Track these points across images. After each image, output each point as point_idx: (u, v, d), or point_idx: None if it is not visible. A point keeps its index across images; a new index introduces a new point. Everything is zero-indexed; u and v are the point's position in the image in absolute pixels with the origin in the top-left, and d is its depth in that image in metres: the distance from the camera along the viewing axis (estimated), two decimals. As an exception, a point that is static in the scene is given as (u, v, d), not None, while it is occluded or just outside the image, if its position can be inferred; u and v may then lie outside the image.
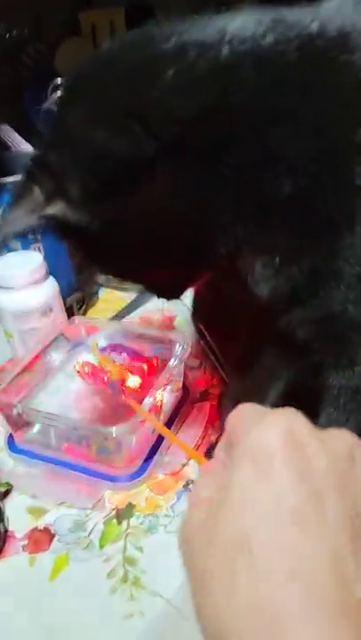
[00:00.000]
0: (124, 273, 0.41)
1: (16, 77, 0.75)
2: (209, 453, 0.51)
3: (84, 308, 0.78)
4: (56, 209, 0.32)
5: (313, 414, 0.41)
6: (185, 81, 0.31)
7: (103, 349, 0.61)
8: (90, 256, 0.40)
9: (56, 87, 0.67)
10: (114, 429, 0.46)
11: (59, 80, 0.67)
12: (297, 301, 0.35)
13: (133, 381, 0.57)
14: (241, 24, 0.32)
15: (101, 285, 0.84)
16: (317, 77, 0.30)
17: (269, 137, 0.30)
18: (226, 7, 0.35)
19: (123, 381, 0.56)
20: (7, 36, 0.71)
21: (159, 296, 0.45)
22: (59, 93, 0.65)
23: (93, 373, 0.58)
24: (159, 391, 0.51)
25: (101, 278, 0.84)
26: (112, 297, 0.84)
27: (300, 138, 0.30)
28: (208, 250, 0.35)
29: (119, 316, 0.79)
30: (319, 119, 0.30)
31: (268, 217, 0.32)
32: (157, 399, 0.51)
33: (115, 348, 0.62)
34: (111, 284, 0.84)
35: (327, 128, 0.30)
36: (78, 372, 0.58)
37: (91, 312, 0.80)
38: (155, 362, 0.60)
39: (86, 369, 0.58)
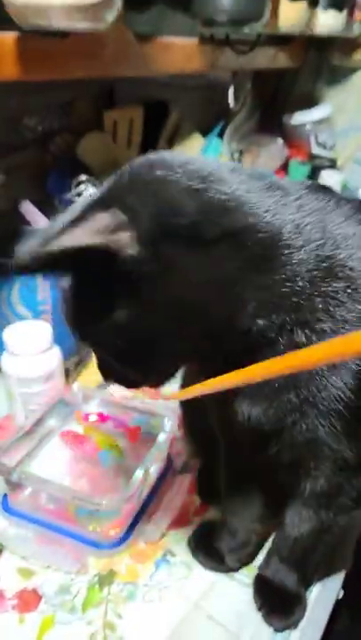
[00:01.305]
0: (133, 349, 0.40)
1: (43, 161, 0.84)
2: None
3: (78, 369, 0.84)
4: (122, 237, 0.34)
5: (279, 510, 0.48)
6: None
7: (89, 418, 0.67)
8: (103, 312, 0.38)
9: (79, 182, 0.75)
10: (104, 501, 0.51)
11: (83, 177, 0.75)
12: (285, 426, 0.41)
13: (113, 436, 0.64)
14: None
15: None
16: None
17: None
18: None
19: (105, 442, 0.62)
20: (40, 128, 0.80)
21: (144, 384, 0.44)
22: (81, 187, 0.74)
23: (81, 442, 0.64)
24: (153, 467, 0.56)
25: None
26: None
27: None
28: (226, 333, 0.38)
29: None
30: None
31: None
32: (149, 473, 0.56)
33: (100, 416, 0.68)
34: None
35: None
36: (64, 440, 0.63)
37: (84, 374, 0.86)
38: (137, 432, 0.66)
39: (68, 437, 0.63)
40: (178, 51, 0.82)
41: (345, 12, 1.01)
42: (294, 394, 0.39)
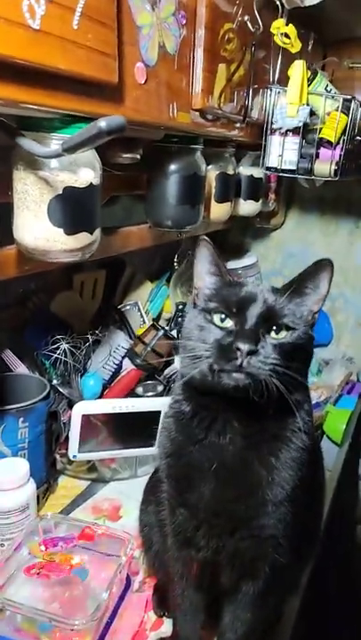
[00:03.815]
0: None
1: (21, 315, 1.03)
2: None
3: (47, 495, 0.96)
4: None
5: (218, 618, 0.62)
6: None
7: (46, 546, 0.77)
8: None
9: (55, 341, 0.94)
10: (76, 621, 0.63)
11: (59, 336, 0.94)
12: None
13: (78, 559, 0.75)
14: None
15: (62, 473, 1.03)
16: None
17: None
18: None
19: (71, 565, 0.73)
20: (21, 290, 1.00)
21: None
22: (58, 345, 0.92)
23: (49, 569, 0.75)
24: (115, 588, 0.68)
25: (60, 464, 1.03)
26: (69, 484, 1.02)
27: None
28: None
29: (74, 504, 0.97)
30: None
31: None
32: (113, 592, 0.68)
33: (51, 541, 0.78)
34: (69, 472, 1.03)
35: None
36: (37, 574, 0.74)
37: (51, 498, 0.98)
38: (87, 531, 0.78)
39: (34, 570, 0.74)
40: (133, 235, 1.06)
41: (261, 200, 1.32)
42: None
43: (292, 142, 0.96)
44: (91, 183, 0.62)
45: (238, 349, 0.51)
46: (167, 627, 0.71)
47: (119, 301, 1.29)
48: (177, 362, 1.17)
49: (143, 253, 1.37)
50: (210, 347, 0.54)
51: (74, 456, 0.95)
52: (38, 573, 0.74)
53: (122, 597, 0.74)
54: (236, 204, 1.24)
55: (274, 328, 0.54)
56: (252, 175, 1.22)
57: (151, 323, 1.20)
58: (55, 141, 0.59)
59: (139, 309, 1.27)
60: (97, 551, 0.79)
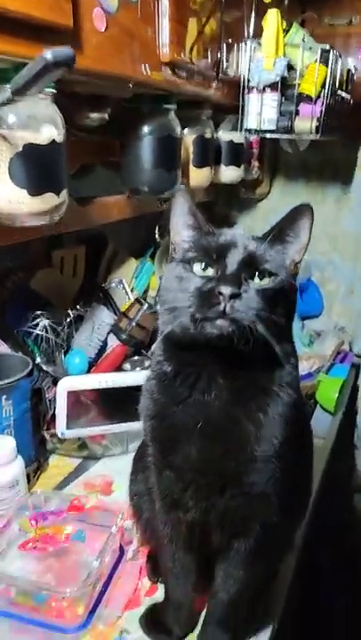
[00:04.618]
0: None
1: (1, 293, 1.00)
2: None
3: (38, 474, 0.95)
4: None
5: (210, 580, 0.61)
6: None
7: (36, 520, 0.76)
8: None
9: (36, 316, 0.92)
10: (68, 590, 0.62)
11: (38, 312, 0.92)
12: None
13: (69, 529, 0.75)
14: None
15: (52, 453, 1.02)
16: None
17: None
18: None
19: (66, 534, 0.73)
20: (-2, 269, 0.97)
21: None
22: (37, 320, 0.90)
23: (45, 542, 0.74)
24: (108, 557, 0.68)
25: (50, 444, 1.02)
26: (61, 463, 1.01)
27: None
28: None
29: (66, 481, 0.95)
30: None
31: None
32: (105, 561, 0.67)
33: (41, 515, 0.78)
34: (60, 451, 1.02)
35: None
36: (34, 548, 0.73)
37: (43, 477, 0.96)
38: (76, 502, 0.77)
39: (30, 545, 0.73)
40: (111, 206, 1.04)
41: (243, 166, 1.29)
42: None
43: (271, 99, 0.93)
44: (53, 140, 0.60)
45: (220, 294, 0.49)
46: (161, 592, 0.70)
47: (103, 279, 1.27)
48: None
49: (125, 229, 1.34)
50: (190, 295, 0.51)
51: (62, 433, 0.94)
52: (35, 547, 0.74)
53: (115, 566, 0.73)
54: (217, 171, 1.21)
55: (256, 274, 0.52)
56: (231, 140, 1.19)
57: (135, 298, 1.18)
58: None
59: (123, 287, 1.25)
60: (88, 523, 0.78)
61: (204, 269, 0.53)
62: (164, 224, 1.33)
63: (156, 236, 1.26)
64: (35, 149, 0.58)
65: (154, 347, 0.63)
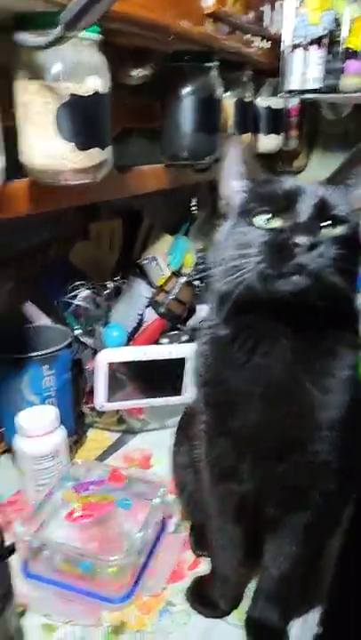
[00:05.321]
0: None
1: (38, 266, 0.99)
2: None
3: (77, 447, 0.94)
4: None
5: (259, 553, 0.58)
6: None
7: (78, 490, 0.75)
8: None
9: (75, 287, 0.90)
10: (113, 558, 0.60)
11: (78, 282, 0.90)
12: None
13: (115, 495, 0.74)
14: None
15: (90, 427, 1.01)
16: None
17: None
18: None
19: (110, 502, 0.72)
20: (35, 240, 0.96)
21: None
22: (77, 291, 0.89)
23: (92, 509, 0.73)
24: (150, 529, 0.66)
25: (89, 418, 1.01)
26: (100, 437, 1.00)
27: None
28: None
29: (105, 454, 0.94)
30: None
31: None
32: (148, 532, 0.66)
33: (82, 486, 0.76)
34: (99, 425, 1.01)
35: None
36: (81, 516, 0.71)
37: (81, 450, 0.96)
38: (116, 473, 0.77)
39: (76, 514, 0.72)
40: (148, 175, 1.00)
41: (282, 135, 1.24)
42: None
43: (317, 56, 0.88)
44: (97, 92, 0.57)
45: (297, 245, 0.44)
46: (205, 566, 0.68)
47: (138, 256, 1.24)
48: (201, 311, 1.12)
49: (160, 203, 1.31)
50: (258, 251, 0.47)
51: (101, 406, 0.92)
52: (81, 515, 0.72)
53: (158, 539, 0.72)
54: (256, 139, 1.16)
55: (330, 222, 0.47)
56: (270, 106, 1.14)
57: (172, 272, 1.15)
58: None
59: (157, 263, 1.22)
60: (130, 494, 0.76)
61: (269, 220, 0.48)
62: (200, 198, 1.29)
63: (193, 208, 1.23)
64: (80, 100, 0.55)
65: (199, 315, 0.60)
